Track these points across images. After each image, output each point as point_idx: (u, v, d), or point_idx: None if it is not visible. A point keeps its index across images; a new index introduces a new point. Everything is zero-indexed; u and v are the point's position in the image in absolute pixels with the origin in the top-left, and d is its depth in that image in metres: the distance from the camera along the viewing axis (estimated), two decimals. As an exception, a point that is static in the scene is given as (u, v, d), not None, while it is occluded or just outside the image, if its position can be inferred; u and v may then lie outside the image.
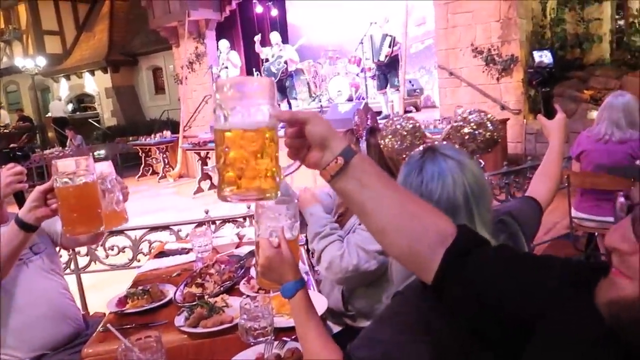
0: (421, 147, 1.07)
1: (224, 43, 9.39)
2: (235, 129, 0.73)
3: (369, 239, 1.58)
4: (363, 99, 8.63)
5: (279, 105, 9.06)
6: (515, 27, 6.58)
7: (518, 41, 6.58)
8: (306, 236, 1.86)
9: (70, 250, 2.76)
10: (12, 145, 12.68)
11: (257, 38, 9.08)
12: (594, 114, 3.08)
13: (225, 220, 2.84)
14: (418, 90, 9.19)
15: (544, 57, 1.74)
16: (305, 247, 2.09)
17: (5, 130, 15.48)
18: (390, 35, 7.41)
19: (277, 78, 8.74)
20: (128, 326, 1.58)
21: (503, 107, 6.72)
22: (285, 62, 8.66)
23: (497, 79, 6.80)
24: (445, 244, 0.73)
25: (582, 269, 0.70)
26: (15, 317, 1.72)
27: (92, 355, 1.48)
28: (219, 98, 0.74)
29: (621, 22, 7.78)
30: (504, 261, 0.73)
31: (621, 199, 0.60)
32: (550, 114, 1.60)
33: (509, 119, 6.67)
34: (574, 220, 3.11)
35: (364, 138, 1.77)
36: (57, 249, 2.05)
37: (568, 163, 3.51)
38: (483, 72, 6.89)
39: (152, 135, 10.47)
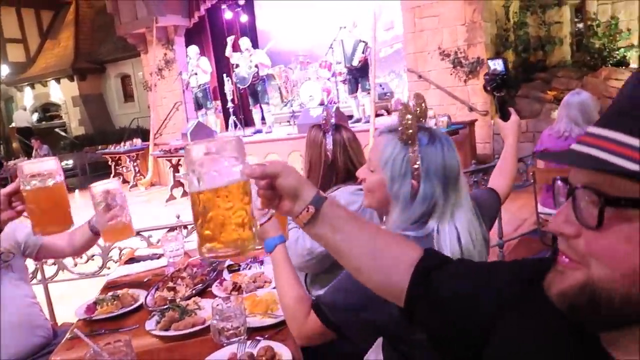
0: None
1: (193, 49, 9.31)
2: (209, 190, 0.77)
3: None
4: (335, 103, 8.69)
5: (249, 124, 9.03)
6: (480, 31, 6.74)
7: (483, 44, 6.74)
8: None
9: (36, 261, 2.69)
10: None
11: (230, 39, 9.03)
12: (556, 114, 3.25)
13: (197, 225, 2.81)
14: (389, 94, 9.30)
15: (497, 65, 1.90)
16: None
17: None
18: (363, 41, 7.48)
19: (249, 82, 8.70)
20: (97, 332, 1.56)
21: (471, 109, 6.87)
22: (257, 66, 8.63)
23: (465, 81, 6.94)
24: (411, 270, 0.78)
25: (529, 266, 0.73)
26: None
27: (61, 363, 1.45)
28: (189, 162, 0.77)
29: (580, 25, 8.08)
30: (461, 275, 0.78)
31: (559, 182, 0.61)
32: (505, 117, 1.73)
33: (477, 120, 6.82)
34: (540, 215, 3.20)
35: (330, 133, 1.79)
36: (25, 259, 2.00)
37: (533, 160, 3.61)
38: (451, 74, 7.03)
39: (122, 144, 10.28)
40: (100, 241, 2.75)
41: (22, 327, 1.76)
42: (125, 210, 1.56)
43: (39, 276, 2.79)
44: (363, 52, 7.53)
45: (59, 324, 2.34)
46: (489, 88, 1.81)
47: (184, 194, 8.02)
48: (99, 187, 1.55)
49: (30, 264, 2.63)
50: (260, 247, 1.45)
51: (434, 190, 1.11)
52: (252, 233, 0.79)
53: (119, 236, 1.63)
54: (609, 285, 0.52)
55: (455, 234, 1.11)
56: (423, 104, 1.17)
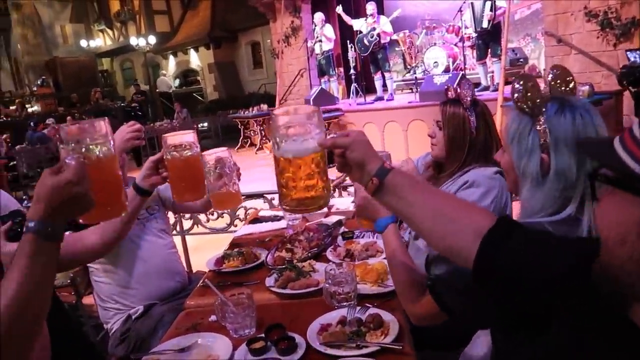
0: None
1: (319, 16, 9.41)
2: (287, 156, 0.90)
3: None
4: (460, 70, 8.27)
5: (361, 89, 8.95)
6: (638, -14, 5.87)
7: (641, 2, 5.88)
8: None
9: (176, 214, 3.03)
10: (133, 105, 13.86)
11: (339, 9, 8.98)
12: None
13: (315, 191, 2.93)
14: (522, 60, 8.58)
15: (636, 57, 1.61)
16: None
17: (122, 104, 17.02)
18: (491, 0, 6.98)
19: (369, 50, 8.61)
20: (224, 284, 1.73)
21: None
22: (379, 35, 8.49)
23: (614, 45, 6.14)
24: (479, 239, 0.81)
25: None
26: (139, 266, 1.96)
27: (193, 307, 1.64)
28: (274, 128, 0.90)
29: None
30: (532, 246, 0.79)
31: None
32: None
33: (626, 90, 6.04)
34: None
35: (472, 108, 1.65)
36: (167, 213, 2.27)
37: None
38: (597, 37, 6.26)
39: (250, 109, 10.89)
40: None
41: (164, 272, 2.02)
42: (234, 179, 1.58)
43: (177, 228, 3.14)
44: (491, 10, 7.00)
45: (193, 272, 2.63)
46: (625, 82, 1.59)
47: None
48: (211, 155, 1.58)
49: (171, 217, 2.97)
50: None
51: (569, 164, 0.99)
52: (323, 196, 0.93)
53: (226, 204, 1.73)
54: None
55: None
56: (565, 74, 1.06)
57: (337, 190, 2.87)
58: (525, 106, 1.02)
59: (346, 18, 9.11)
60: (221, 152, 1.56)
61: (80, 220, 1.00)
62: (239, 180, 1.61)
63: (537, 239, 0.81)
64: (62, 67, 19.61)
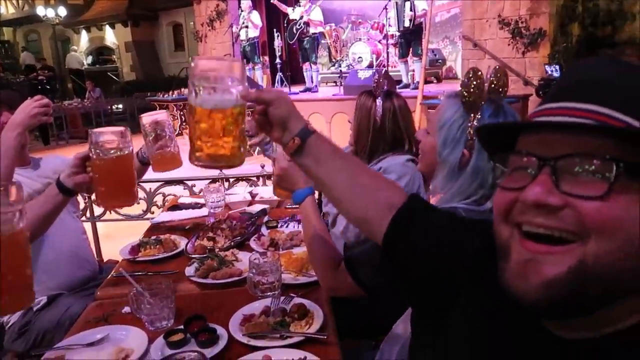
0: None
1: (246, 2, 9.22)
2: (205, 106, 0.82)
3: None
4: (384, 66, 8.49)
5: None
6: (545, 0, 6.35)
7: (548, 14, 6.37)
8: (320, 199, 1.88)
9: (87, 197, 2.82)
10: (40, 77, 12.72)
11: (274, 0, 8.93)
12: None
13: (238, 179, 2.86)
14: (440, 61, 9.01)
15: (553, 70, 1.82)
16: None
17: (24, 78, 15.59)
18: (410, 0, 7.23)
19: (295, 38, 8.60)
20: (139, 273, 1.63)
21: (526, 83, 6.57)
22: (307, 24, 8.48)
23: (523, 52, 6.62)
24: (392, 212, 0.82)
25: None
26: (47, 252, 1.79)
27: (105, 297, 1.54)
28: (193, 75, 0.82)
29: (657, 1, 7.46)
30: (441, 228, 0.81)
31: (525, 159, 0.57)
32: None
33: (531, 94, 6.53)
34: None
35: (380, 98, 1.77)
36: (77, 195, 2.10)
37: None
38: (508, 45, 6.71)
39: (170, 92, 10.45)
40: (146, 186, 2.86)
41: (74, 260, 1.88)
42: (174, 140, 1.59)
43: (88, 214, 2.93)
44: (411, 10, 7.26)
45: (104, 260, 2.47)
46: (541, 93, 1.75)
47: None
48: (149, 117, 1.57)
49: (81, 202, 2.76)
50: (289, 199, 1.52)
51: (486, 166, 1.06)
52: (239, 153, 0.86)
53: (167, 165, 1.65)
54: (606, 259, 0.50)
55: None
56: (504, 78, 1.11)
57: (261, 179, 2.83)
58: (467, 99, 1.08)
59: (282, 6, 9.00)
60: (159, 114, 1.55)
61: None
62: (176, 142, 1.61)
63: (444, 221, 0.84)
64: (-47, 34, 17.59)
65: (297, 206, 1.31)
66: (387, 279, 1.05)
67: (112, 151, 1.28)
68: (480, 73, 1.08)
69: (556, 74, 1.51)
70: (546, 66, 1.58)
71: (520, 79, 6.62)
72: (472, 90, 1.07)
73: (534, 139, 0.55)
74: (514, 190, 0.55)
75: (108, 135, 1.29)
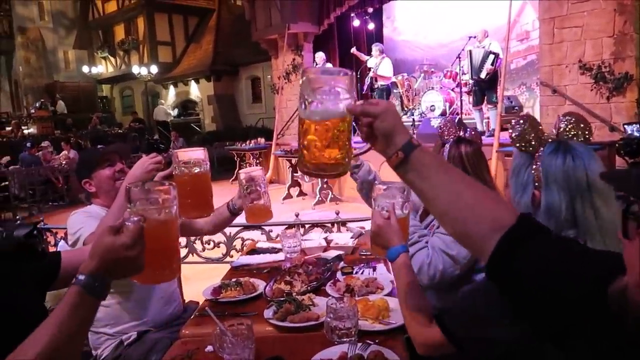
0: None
1: (321, 55, 9.63)
2: (313, 118, 0.85)
3: (452, 242, 1.63)
4: (457, 114, 8.43)
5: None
6: (631, 44, 6.08)
7: (634, 58, 6.08)
8: None
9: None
10: (155, 137, 14.08)
11: (354, 50, 9.29)
12: None
13: (314, 225, 2.92)
14: (517, 108, 8.77)
15: (634, 129, 1.76)
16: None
17: (119, 131, 17.06)
18: (494, 53, 7.17)
19: (367, 88, 8.86)
20: (220, 314, 1.69)
21: (613, 129, 6.23)
22: (376, 79, 8.75)
23: (607, 98, 6.31)
24: (501, 232, 0.78)
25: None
26: (141, 290, 1.92)
27: (189, 336, 1.60)
28: (304, 87, 0.85)
29: None
30: (557, 252, 0.75)
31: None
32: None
33: (619, 141, 6.17)
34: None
35: (447, 145, 1.76)
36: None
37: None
38: (591, 90, 6.44)
39: (247, 142, 10.96)
40: (226, 230, 2.99)
41: (164, 299, 1.99)
42: (266, 195, 1.75)
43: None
44: (492, 64, 7.20)
45: (185, 301, 2.58)
46: (622, 152, 1.69)
47: (300, 193, 8.35)
48: (245, 173, 1.79)
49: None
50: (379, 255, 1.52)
51: (558, 201, 1.04)
52: (344, 163, 0.89)
53: (259, 218, 1.83)
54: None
55: None
56: (578, 125, 1.10)
57: (336, 225, 2.87)
58: (519, 145, 1.09)
59: (362, 56, 9.34)
60: (255, 170, 1.74)
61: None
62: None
63: (561, 246, 0.78)
64: (61, 91, 19.75)
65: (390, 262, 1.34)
66: (483, 334, 1.03)
67: (193, 168, 1.45)
68: (525, 118, 1.10)
69: (637, 133, 1.45)
70: (626, 126, 1.52)
71: (605, 125, 6.30)
72: (522, 134, 1.08)
73: None
74: None
75: (189, 154, 1.48)
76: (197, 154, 1.48)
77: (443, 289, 1.70)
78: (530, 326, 0.76)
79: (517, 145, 1.09)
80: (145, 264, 0.94)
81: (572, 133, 1.10)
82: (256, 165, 10.40)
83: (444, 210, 0.86)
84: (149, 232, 0.93)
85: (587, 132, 1.09)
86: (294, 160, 8.44)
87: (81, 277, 0.90)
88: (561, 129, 1.11)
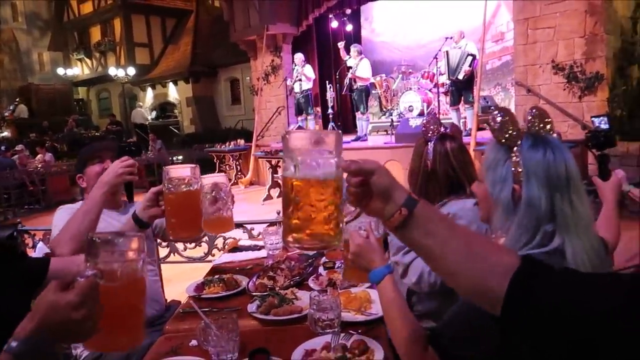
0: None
1: (299, 56, 9.65)
2: (304, 178, 0.76)
3: None
4: (435, 114, 8.55)
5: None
6: (601, 44, 6.27)
7: (604, 58, 6.27)
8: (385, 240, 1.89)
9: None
10: (128, 140, 13.84)
11: (341, 44, 9.29)
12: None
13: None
14: (493, 107, 8.93)
15: (601, 122, 1.83)
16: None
17: (96, 133, 16.80)
18: (471, 54, 7.30)
19: (346, 89, 8.90)
20: (204, 310, 1.70)
21: (585, 127, 6.41)
22: (354, 80, 8.80)
23: (580, 97, 6.49)
24: (508, 278, 0.73)
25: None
26: None
27: (172, 332, 1.61)
28: (289, 148, 0.77)
29: None
30: (566, 284, 0.73)
31: None
32: (605, 176, 1.68)
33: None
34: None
35: (432, 142, 1.78)
36: (155, 241, 2.25)
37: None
38: (564, 89, 6.61)
39: (227, 143, 10.93)
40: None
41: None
42: (228, 204, 1.59)
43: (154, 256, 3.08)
44: (470, 66, 7.33)
45: (167, 301, 2.57)
46: (590, 144, 1.75)
47: (280, 194, 8.36)
48: (208, 179, 1.59)
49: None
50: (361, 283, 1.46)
51: (538, 195, 1.04)
52: (339, 230, 0.78)
53: (218, 228, 1.67)
54: None
55: (584, 251, 1.02)
56: (547, 120, 1.11)
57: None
58: (502, 138, 1.08)
59: (344, 53, 9.32)
60: (218, 177, 1.57)
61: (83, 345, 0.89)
62: (232, 206, 1.62)
63: (570, 275, 0.77)
64: (36, 94, 19.36)
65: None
66: (484, 349, 1.00)
67: (182, 186, 1.39)
68: (506, 110, 1.09)
69: (604, 126, 1.51)
70: (593, 118, 1.58)
71: (578, 124, 6.47)
72: (503, 127, 1.07)
73: None
74: None
75: (180, 171, 1.42)
76: (187, 171, 1.42)
77: (442, 294, 1.65)
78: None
79: (499, 137, 1.07)
80: (101, 328, 0.77)
81: (537, 126, 1.11)
82: (236, 167, 10.37)
83: (456, 267, 0.78)
84: (107, 291, 0.77)
85: (549, 127, 1.11)
86: (274, 161, 8.44)
87: (13, 343, 0.74)
88: (529, 124, 1.12)
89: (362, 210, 0.82)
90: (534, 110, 1.13)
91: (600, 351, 0.66)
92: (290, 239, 0.78)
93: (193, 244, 2.99)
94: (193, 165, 1.43)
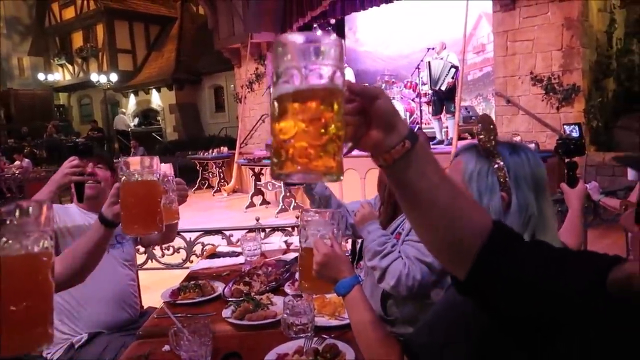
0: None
1: (283, 64, 9.66)
2: (299, 91, 0.58)
3: (425, 249, 1.48)
4: (417, 123, 8.64)
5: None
6: (577, 57, 6.43)
7: (581, 70, 6.42)
8: (359, 250, 1.89)
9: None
10: (78, 140, 13.53)
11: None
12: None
13: (274, 229, 2.94)
14: (474, 117, 9.05)
15: (573, 130, 1.90)
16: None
17: (76, 139, 16.57)
18: (454, 66, 7.41)
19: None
20: (179, 315, 1.69)
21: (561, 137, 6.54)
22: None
23: (557, 108, 6.63)
24: (481, 239, 0.70)
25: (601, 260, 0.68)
26: (95, 289, 1.84)
27: (146, 337, 1.60)
28: (280, 56, 0.60)
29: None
30: (538, 258, 0.71)
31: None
32: (572, 183, 1.75)
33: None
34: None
35: None
36: (135, 246, 2.23)
37: (627, 194, 3.39)
38: (542, 100, 6.75)
39: (210, 151, 10.88)
40: (186, 235, 2.97)
41: (118, 301, 1.96)
42: (170, 194, 1.48)
43: (130, 263, 3.05)
44: (452, 78, 7.44)
45: (144, 307, 2.55)
46: (560, 151, 1.80)
47: (263, 202, 8.34)
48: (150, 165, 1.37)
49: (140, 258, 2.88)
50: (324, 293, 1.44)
51: (528, 200, 1.04)
52: (339, 162, 0.61)
53: (166, 220, 1.42)
54: None
55: None
56: (491, 127, 1.12)
57: (296, 229, 2.90)
58: (489, 145, 1.06)
59: None
60: (164, 167, 1.44)
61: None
62: (184, 200, 1.60)
63: (540, 247, 0.75)
64: (15, 99, 19.05)
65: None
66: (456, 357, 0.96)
67: (135, 176, 1.25)
68: (488, 118, 1.08)
69: (575, 134, 1.56)
70: (565, 126, 1.61)
71: (555, 134, 6.60)
72: (488, 136, 1.08)
73: None
74: None
75: (133, 161, 1.28)
76: (145, 161, 1.28)
77: (418, 298, 1.65)
78: (513, 331, 0.72)
79: (488, 146, 1.06)
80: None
81: (483, 134, 1.12)
82: (219, 175, 10.31)
83: (437, 220, 0.71)
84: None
85: (492, 135, 1.12)
86: (257, 169, 8.43)
87: None
88: (480, 136, 1.13)
89: (355, 145, 0.69)
90: (481, 119, 1.14)
91: (563, 329, 0.65)
92: (279, 171, 0.60)
93: (171, 251, 2.97)
94: (149, 157, 1.29)
